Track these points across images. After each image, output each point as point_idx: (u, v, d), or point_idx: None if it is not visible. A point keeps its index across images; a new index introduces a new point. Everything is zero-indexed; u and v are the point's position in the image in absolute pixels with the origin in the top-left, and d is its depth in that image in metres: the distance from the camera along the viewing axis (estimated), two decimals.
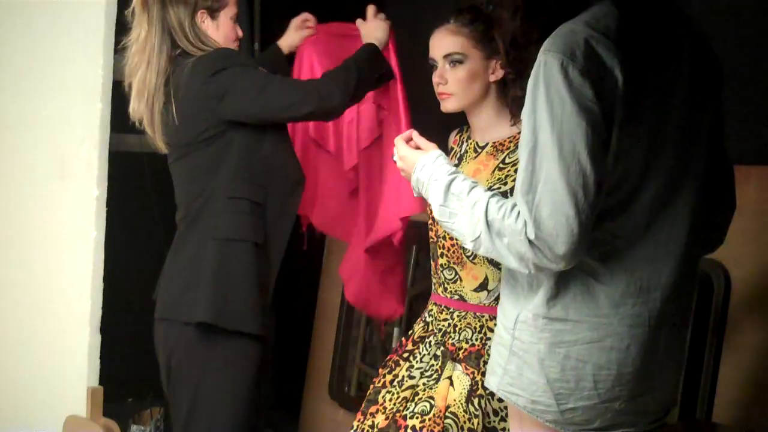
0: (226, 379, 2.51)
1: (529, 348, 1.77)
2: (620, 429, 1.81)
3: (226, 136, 2.50)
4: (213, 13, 2.58)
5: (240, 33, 2.65)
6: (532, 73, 1.66)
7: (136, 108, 2.59)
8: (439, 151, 1.90)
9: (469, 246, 1.75)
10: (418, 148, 1.94)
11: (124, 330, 4.35)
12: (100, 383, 3.46)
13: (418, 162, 1.88)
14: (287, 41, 2.91)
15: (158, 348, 2.70)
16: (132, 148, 4.44)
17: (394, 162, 1.98)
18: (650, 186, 1.73)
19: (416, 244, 3.78)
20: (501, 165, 2.28)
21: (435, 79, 2.32)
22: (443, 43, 2.30)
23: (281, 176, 2.56)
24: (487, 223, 1.70)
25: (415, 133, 1.97)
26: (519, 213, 1.66)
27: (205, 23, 2.57)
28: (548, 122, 1.62)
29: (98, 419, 3.40)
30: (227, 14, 2.60)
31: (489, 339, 2.27)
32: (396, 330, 3.86)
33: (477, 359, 2.26)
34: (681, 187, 1.78)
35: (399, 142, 1.95)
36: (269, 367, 2.84)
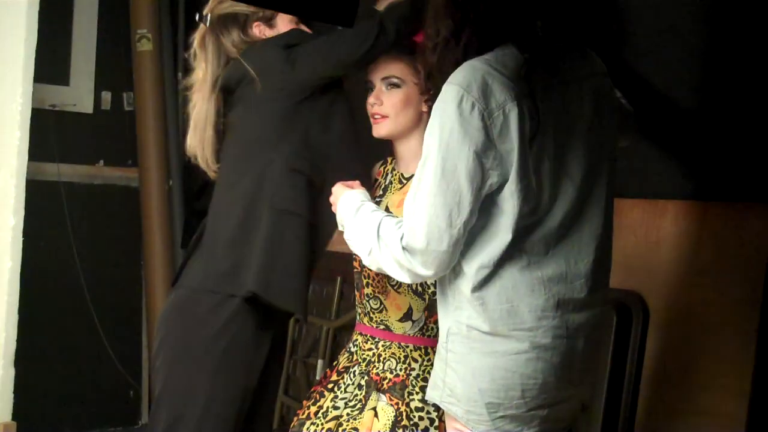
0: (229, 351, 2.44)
1: (461, 359, 1.91)
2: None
3: (295, 117, 2.45)
4: (269, 21, 2.56)
5: (305, 28, 2.60)
6: (437, 99, 1.86)
7: (191, 143, 2.57)
8: (362, 190, 2.12)
9: (366, 261, 1.97)
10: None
11: (39, 363, 4.26)
12: (14, 418, 3.37)
13: (342, 196, 2.11)
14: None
15: (158, 338, 2.56)
16: (49, 177, 4.38)
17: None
18: (558, 212, 1.90)
19: (340, 276, 3.79)
20: None
21: (370, 100, 2.34)
22: (383, 66, 2.33)
23: (340, 165, 2.47)
24: (378, 235, 1.93)
25: (357, 183, 2.17)
26: (402, 224, 1.89)
27: (262, 32, 2.55)
28: (437, 143, 1.82)
29: None
30: (285, 17, 2.56)
31: (413, 369, 2.28)
32: (320, 362, 3.85)
33: (402, 390, 2.26)
34: (586, 214, 1.94)
35: (338, 185, 2.17)
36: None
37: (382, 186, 2.43)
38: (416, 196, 1.85)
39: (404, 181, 2.37)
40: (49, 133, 4.32)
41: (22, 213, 3.42)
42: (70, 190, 4.50)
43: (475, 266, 1.88)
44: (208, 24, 2.56)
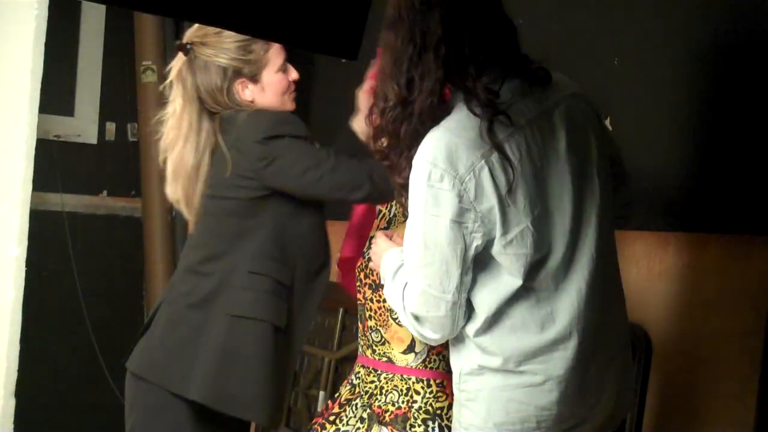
0: None
1: (475, 396, 1.94)
2: None
3: (264, 204, 2.35)
4: (253, 77, 2.41)
5: (295, 75, 2.46)
6: (411, 175, 1.88)
7: (173, 189, 2.42)
8: (396, 250, 2.11)
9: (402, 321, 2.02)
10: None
11: (39, 394, 4.24)
12: None
13: (386, 253, 2.13)
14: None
15: (128, 403, 2.47)
16: (52, 207, 4.39)
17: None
18: (558, 246, 1.90)
19: (342, 308, 3.78)
20: None
21: None
22: None
23: (310, 257, 2.42)
24: (402, 301, 1.98)
25: (394, 234, 2.23)
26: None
27: (249, 89, 2.41)
28: (415, 219, 1.88)
29: None
30: (271, 70, 2.41)
31: (415, 402, 2.27)
32: (321, 393, 3.83)
33: (403, 422, 2.25)
34: (587, 241, 1.93)
35: (380, 234, 2.22)
36: None
37: (387, 218, 2.44)
38: (408, 268, 1.93)
39: (407, 214, 2.37)
40: (53, 163, 4.33)
41: (26, 243, 3.42)
42: (73, 220, 4.51)
43: (482, 312, 1.90)
44: (187, 55, 2.39)
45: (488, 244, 1.87)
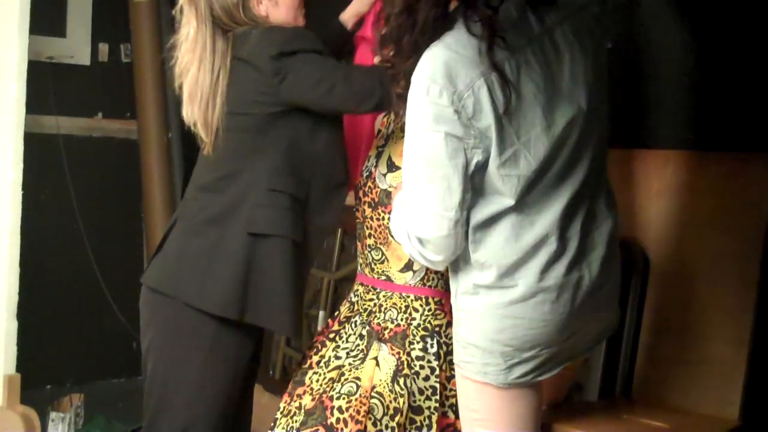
0: (209, 368, 2.37)
1: (471, 316, 1.98)
2: (556, 369, 2.04)
3: (281, 121, 2.35)
4: None
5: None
6: (409, 91, 1.88)
7: (189, 112, 2.41)
8: None
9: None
10: None
11: (41, 316, 4.28)
12: (17, 370, 3.39)
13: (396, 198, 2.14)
14: (352, 11, 2.64)
15: (144, 319, 2.51)
16: (47, 130, 4.36)
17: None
18: (557, 163, 1.92)
19: (341, 228, 3.79)
20: None
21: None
22: None
23: (326, 175, 2.42)
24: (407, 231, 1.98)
25: None
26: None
27: (263, 3, 2.41)
28: (415, 135, 1.89)
29: (15, 407, 3.34)
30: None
31: (414, 319, 2.29)
32: (321, 313, 3.86)
33: (403, 339, 2.27)
34: (583, 158, 1.95)
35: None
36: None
37: (385, 135, 2.42)
38: (408, 188, 1.93)
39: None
40: (46, 85, 4.29)
41: (21, 166, 3.40)
42: (68, 143, 4.48)
43: (475, 229, 1.92)
44: None
45: (485, 162, 1.87)
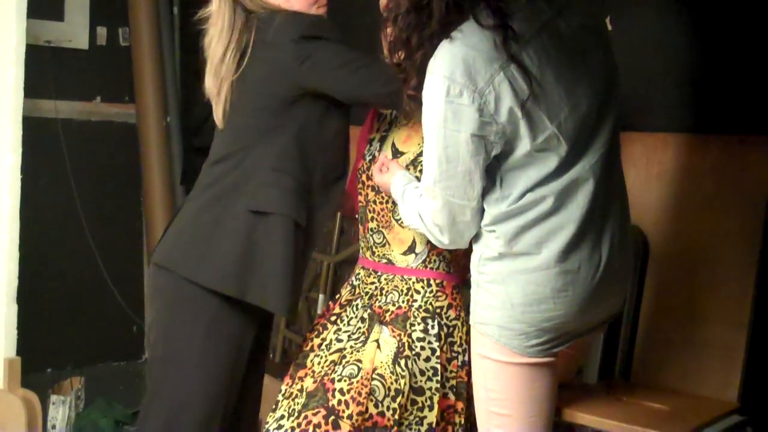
0: (210, 345, 2.37)
1: (493, 278, 2.00)
2: (567, 343, 2.07)
3: (294, 105, 2.36)
4: None
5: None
6: (425, 88, 1.87)
7: (207, 83, 2.44)
8: (404, 172, 2.22)
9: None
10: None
11: (41, 299, 4.29)
12: (18, 354, 3.40)
13: (395, 176, 2.22)
14: None
15: (149, 297, 2.51)
16: (46, 114, 4.35)
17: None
18: (578, 142, 1.94)
19: (340, 211, 3.79)
20: None
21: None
22: None
23: (329, 165, 2.43)
24: (420, 217, 2.05)
25: (385, 159, 2.29)
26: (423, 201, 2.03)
27: None
28: (435, 134, 1.89)
29: (16, 390, 3.34)
30: None
31: (415, 301, 2.30)
32: (321, 296, 3.88)
33: (404, 321, 2.28)
34: (600, 137, 1.97)
35: (376, 171, 2.28)
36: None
37: (388, 120, 2.42)
38: (432, 182, 1.96)
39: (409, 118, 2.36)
40: (45, 69, 4.28)
41: (20, 150, 3.40)
42: (67, 127, 4.48)
43: (504, 204, 1.95)
44: None
45: (515, 149, 1.89)
